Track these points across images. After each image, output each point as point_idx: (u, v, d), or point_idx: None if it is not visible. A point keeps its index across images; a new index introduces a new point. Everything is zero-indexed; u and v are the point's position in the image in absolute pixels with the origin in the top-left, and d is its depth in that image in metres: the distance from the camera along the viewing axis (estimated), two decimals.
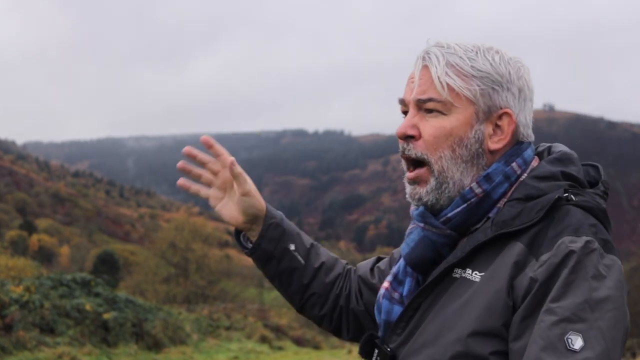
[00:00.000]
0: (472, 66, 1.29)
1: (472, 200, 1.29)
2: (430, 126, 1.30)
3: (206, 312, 23.32)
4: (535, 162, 1.34)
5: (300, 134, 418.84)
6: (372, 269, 1.66)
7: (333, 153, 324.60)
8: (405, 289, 1.37)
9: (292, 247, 1.60)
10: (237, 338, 19.85)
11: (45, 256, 55.04)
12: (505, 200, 1.30)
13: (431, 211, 1.34)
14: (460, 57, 1.29)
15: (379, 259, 1.69)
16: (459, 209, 1.30)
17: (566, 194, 1.24)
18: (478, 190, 1.30)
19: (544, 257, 1.16)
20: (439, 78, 1.28)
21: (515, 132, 1.32)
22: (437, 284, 1.27)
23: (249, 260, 1.71)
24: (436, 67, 1.29)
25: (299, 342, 22.22)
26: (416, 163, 1.34)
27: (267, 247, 1.58)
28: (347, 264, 1.72)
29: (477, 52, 1.30)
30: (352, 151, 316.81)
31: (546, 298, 1.13)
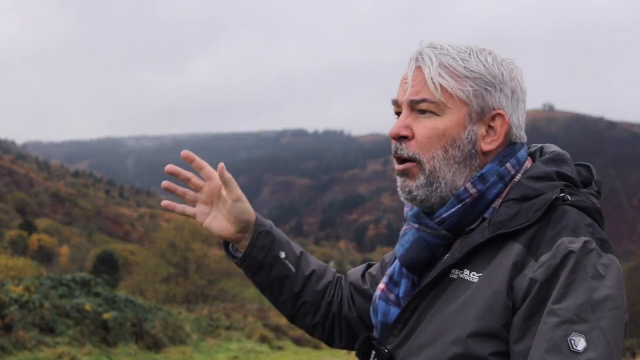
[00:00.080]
0: (465, 67, 1.29)
1: (467, 200, 1.29)
2: (424, 127, 1.30)
3: (206, 312, 23.31)
4: (528, 163, 1.35)
5: (300, 134, 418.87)
6: (363, 275, 1.65)
7: (333, 153, 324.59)
8: (402, 291, 1.36)
9: (283, 255, 1.59)
10: (237, 338, 19.84)
11: (45, 256, 55.03)
12: (500, 200, 1.30)
13: (425, 212, 1.34)
14: (454, 58, 1.29)
15: (369, 266, 1.68)
16: (454, 210, 1.30)
17: (562, 194, 1.24)
18: (473, 191, 1.30)
19: (543, 258, 1.17)
20: (432, 79, 1.28)
21: (508, 134, 1.32)
22: (434, 286, 1.27)
23: None
24: (429, 69, 1.29)
25: (299, 342, 22.21)
26: (407, 161, 1.34)
27: (258, 256, 1.57)
28: (336, 272, 1.71)
29: (470, 54, 1.30)
30: (352, 151, 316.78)
31: (547, 299, 1.14)
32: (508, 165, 1.31)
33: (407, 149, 1.32)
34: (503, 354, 1.17)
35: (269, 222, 1.60)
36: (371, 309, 1.42)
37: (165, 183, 1.54)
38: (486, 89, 1.30)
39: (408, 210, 1.39)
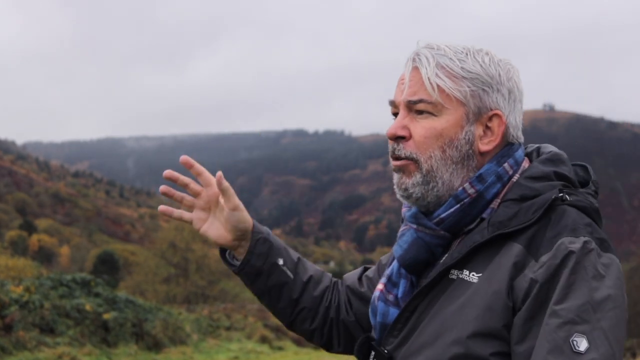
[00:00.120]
0: (462, 67, 1.29)
1: (466, 200, 1.29)
2: (421, 127, 1.30)
3: (206, 312, 23.31)
4: (526, 163, 1.35)
5: (300, 134, 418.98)
6: (360, 279, 1.64)
7: (333, 153, 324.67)
8: (400, 291, 1.36)
9: (281, 261, 1.57)
10: (237, 338, 19.84)
11: (45, 256, 55.07)
12: (498, 200, 1.30)
13: (422, 212, 1.34)
14: (451, 58, 1.29)
15: (365, 269, 1.68)
16: (452, 210, 1.30)
17: (561, 194, 1.25)
18: (471, 191, 1.30)
19: (543, 259, 1.17)
20: (429, 79, 1.28)
21: (505, 134, 1.32)
22: (433, 286, 1.27)
23: None
24: (426, 69, 1.29)
25: (299, 342, 22.21)
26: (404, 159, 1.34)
27: (256, 263, 1.55)
28: (332, 276, 1.71)
29: (467, 54, 1.30)
30: (352, 151, 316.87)
31: (548, 299, 1.14)
32: (506, 165, 1.31)
33: (405, 149, 1.32)
34: (503, 354, 1.17)
35: (265, 229, 1.59)
36: (369, 310, 1.42)
37: (163, 187, 1.53)
38: (483, 89, 1.30)
39: (406, 210, 1.40)
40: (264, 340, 19.96)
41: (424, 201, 1.32)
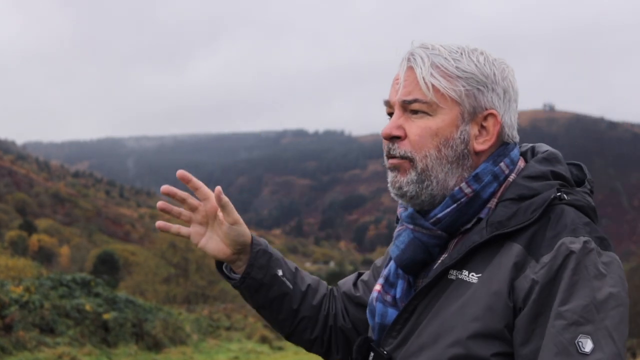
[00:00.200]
0: (457, 67, 1.29)
1: (462, 200, 1.29)
2: (416, 127, 1.30)
3: (206, 312, 23.31)
4: (521, 163, 1.35)
5: (300, 134, 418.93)
6: (355, 284, 1.64)
7: (333, 153, 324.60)
8: (398, 291, 1.36)
9: (280, 272, 1.56)
10: (238, 338, 19.83)
11: (45, 256, 55.04)
12: (495, 200, 1.30)
13: (418, 211, 1.34)
14: (445, 58, 1.29)
15: (359, 274, 1.67)
16: (449, 209, 1.30)
17: (559, 193, 1.25)
18: (467, 190, 1.29)
19: (544, 259, 1.17)
20: (424, 79, 1.28)
21: (501, 133, 1.32)
22: (433, 286, 1.27)
23: None
24: (421, 68, 1.29)
25: None
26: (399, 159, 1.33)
27: (257, 276, 1.53)
28: (327, 285, 1.70)
29: (462, 53, 1.30)
30: (352, 151, 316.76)
31: (550, 300, 1.15)
32: (502, 164, 1.31)
33: (400, 149, 1.31)
34: (505, 355, 1.17)
35: (263, 241, 1.58)
36: (367, 311, 1.41)
37: (160, 204, 1.51)
38: (478, 89, 1.30)
39: (402, 210, 1.39)
40: (264, 340, 19.95)
41: (418, 199, 1.31)
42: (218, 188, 1.44)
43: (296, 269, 1.62)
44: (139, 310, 16.03)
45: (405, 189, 1.31)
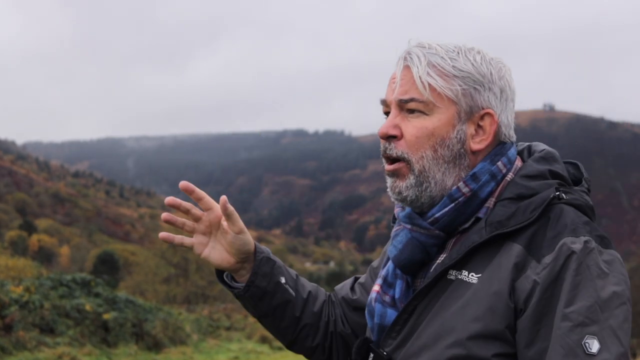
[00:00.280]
0: (453, 66, 1.28)
1: (460, 199, 1.29)
2: (413, 126, 1.30)
3: (206, 312, 23.31)
4: (518, 162, 1.35)
5: (300, 134, 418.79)
6: (352, 288, 1.64)
7: (333, 153, 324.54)
8: (397, 292, 1.35)
9: (283, 280, 1.55)
10: (238, 338, 19.83)
11: (45, 256, 55.02)
12: (493, 199, 1.30)
13: (417, 212, 1.33)
14: (442, 57, 1.29)
15: (356, 279, 1.67)
16: (446, 209, 1.29)
17: (557, 193, 1.25)
18: (465, 190, 1.29)
19: (546, 260, 1.17)
20: (420, 78, 1.28)
21: (497, 133, 1.32)
22: (432, 287, 1.27)
23: None
24: (418, 68, 1.29)
25: None
26: (396, 160, 1.33)
27: (261, 284, 1.52)
28: (325, 291, 1.70)
29: (458, 53, 1.30)
30: (352, 151, 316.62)
31: (553, 301, 1.14)
32: (499, 164, 1.31)
33: (396, 149, 1.31)
34: (505, 356, 1.17)
35: (266, 249, 1.57)
36: (366, 312, 1.41)
37: (164, 215, 1.51)
38: (475, 88, 1.29)
39: (399, 210, 1.39)
40: (264, 340, 19.95)
41: (418, 202, 1.31)
42: (223, 197, 1.42)
43: (297, 275, 1.61)
44: (139, 310, 16.03)
45: (405, 194, 1.31)
